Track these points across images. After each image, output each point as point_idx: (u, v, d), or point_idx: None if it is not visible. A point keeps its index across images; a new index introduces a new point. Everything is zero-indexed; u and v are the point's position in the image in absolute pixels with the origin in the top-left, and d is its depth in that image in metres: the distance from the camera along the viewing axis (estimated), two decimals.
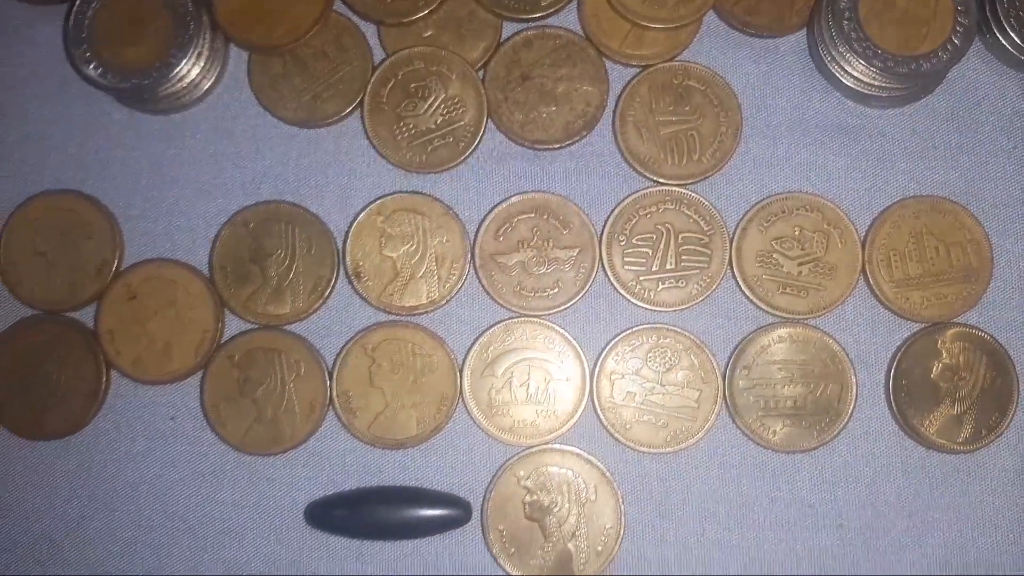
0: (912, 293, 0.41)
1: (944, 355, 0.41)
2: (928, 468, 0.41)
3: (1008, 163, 0.42)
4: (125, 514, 0.41)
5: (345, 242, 0.42)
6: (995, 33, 0.42)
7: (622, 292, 0.41)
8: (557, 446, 0.41)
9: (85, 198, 0.42)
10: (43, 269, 0.42)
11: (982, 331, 0.41)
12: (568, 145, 0.42)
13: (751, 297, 0.41)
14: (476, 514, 0.40)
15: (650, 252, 0.42)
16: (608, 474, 0.40)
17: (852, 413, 0.40)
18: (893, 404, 0.41)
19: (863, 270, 0.41)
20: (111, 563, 0.41)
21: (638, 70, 0.42)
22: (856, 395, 0.41)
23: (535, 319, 0.41)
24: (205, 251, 0.42)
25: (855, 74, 0.41)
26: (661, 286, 0.41)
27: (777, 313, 0.41)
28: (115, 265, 0.42)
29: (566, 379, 0.41)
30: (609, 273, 0.41)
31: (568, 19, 0.43)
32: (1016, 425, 0.40)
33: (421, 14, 0.41)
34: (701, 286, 0.41)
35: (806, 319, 0.41)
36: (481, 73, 0.42)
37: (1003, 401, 0.40)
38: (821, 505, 0.41)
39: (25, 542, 0.41)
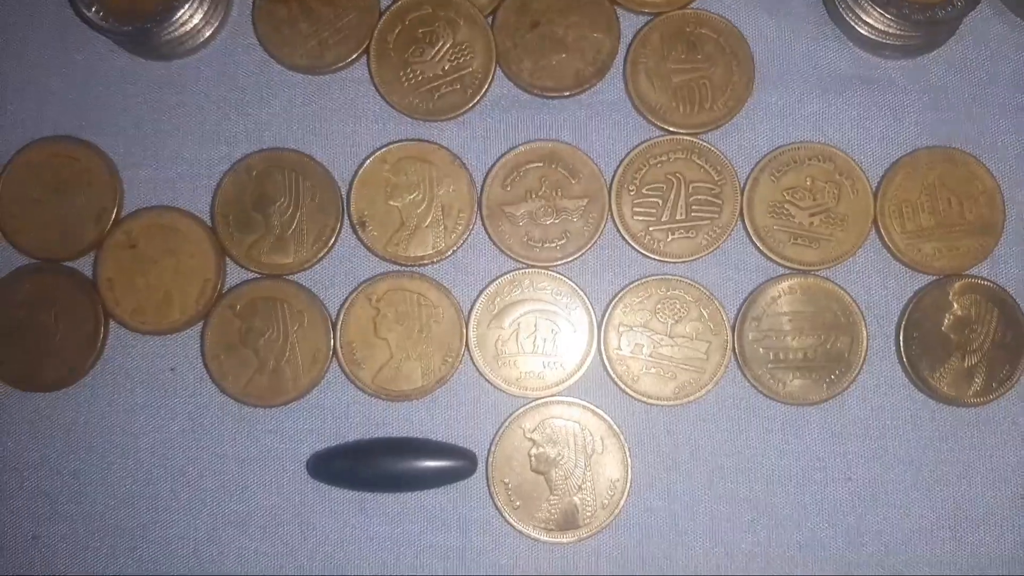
0: (924, 244, 0.41)
1: (955, 307, 0.40)
2: (938, 421, 0.40)
3: (1021, 116, 0.41)
4: (123, 467, 0.41)
5: (350, 191, 0.41)
6: None
7: (631, 243, 0.41)
8: (564, 398, 0.40)
9: (84, 144, 0.42)
10: (41, 217, 0.41)
11: (994, 283, 0.40)
12: (578, 93, 0.41)
13: (762, 248, 0.41)
14: (481, 467, 0.40)
15: (660, 202, 0.41)
16: (615, 426, 0.40)
17: (862, 365, 0.40)
18: (904, 357, 0.40)
19: (875, 221, 0.41)
20: (108, 516, 0.40)
21: (650, 17, 0.41)
22: (867, 347, 0.40)
23: (543, 270, 0.41)
24: (207, 200, 0.41)
25: (869, 22, 0.40)
26: (671, 237, 0.41)
27: (788, 264, 0.41)
28: (114, 213, 0.41)
29: (573, 330, 0.40)
30: (618, 223, 0.41)
31: None
32: None
33: None
34: (711, 237, 0.41)
35: (817, 270, 0.41)
36: (490, 19, 0.42)
37: (1014, 354, 0.40)
38: (830, 458, 0.40)
39: (21, 496, 0.40)
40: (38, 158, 0.41)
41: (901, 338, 0.40)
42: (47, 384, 0.41)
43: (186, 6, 0.40)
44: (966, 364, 0.40)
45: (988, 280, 0.40)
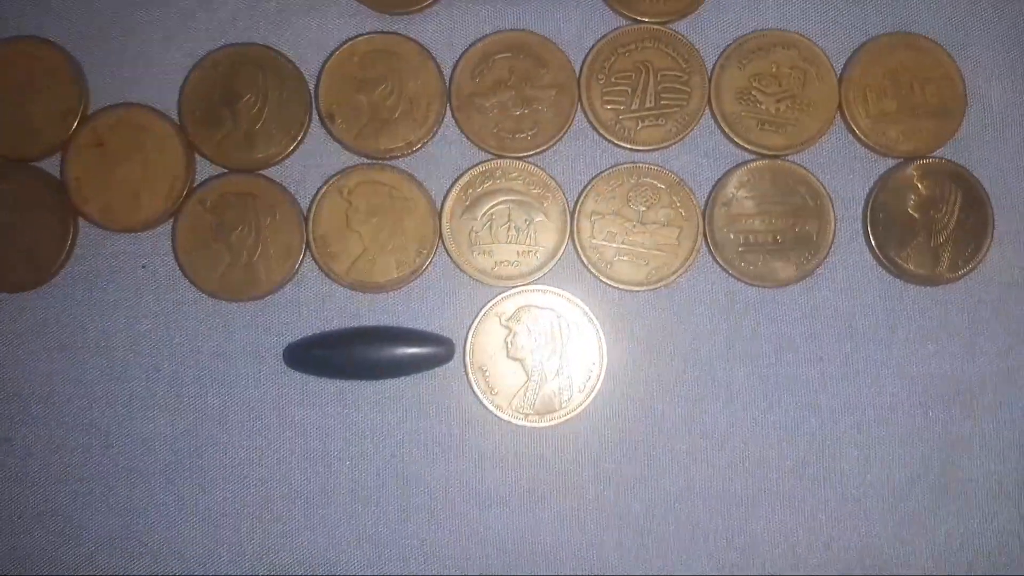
0: (888, 128, 0.41)
1: (920, 187, 0.41)
2: (906, 300, 0.41)
3: (985, 1, 0.42)
4: (96, 366, 0.40)
5: (318, 85, 0.41)
6: None
7: (601, 132, 0.41)
8: (538, 286, 0.40)
9: (48, 43, 0.41)
10: (6, 117, 0.40)
11: (957, 164, 0.41)
12: None
13: (730, 134, 0.41)
14: (459, 355, 0.40)
15: (629, 91, 0.41)
16: (589, 313, 0.40)
17: (831, 248, 0.41)
18: (871, 237, 0.41)
19: (840, 106, 0.41)
20: (82, 416, 0.40)
21: None
22: (835, 229, 0.41)
23: (515, 160, 0.41)
24: (174, 97, 0.41)
25: None
26: (640, 125, 0.41)
27: (756, 150, 0.41)
28: (80, 112, 0.41)
29: (546, 219, 0.41)
30: (588, 112, 0.41)
31: None
32: (992, 257, 0.41)
33: None
34: (680, 124, 0.41)
35: (784, 155, 0.41)
36: None
37: (979, 233, 0.41)
38: (801, 339, 0.41)
39: None
40: (1, 58, 0.41)
41: (868, 219, 0.41)
42: (17, 285, 0.40)
43: None
44: (932, 244, 0.41)
45: (951, 161, 0.41)
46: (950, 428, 0.41)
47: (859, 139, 0.41)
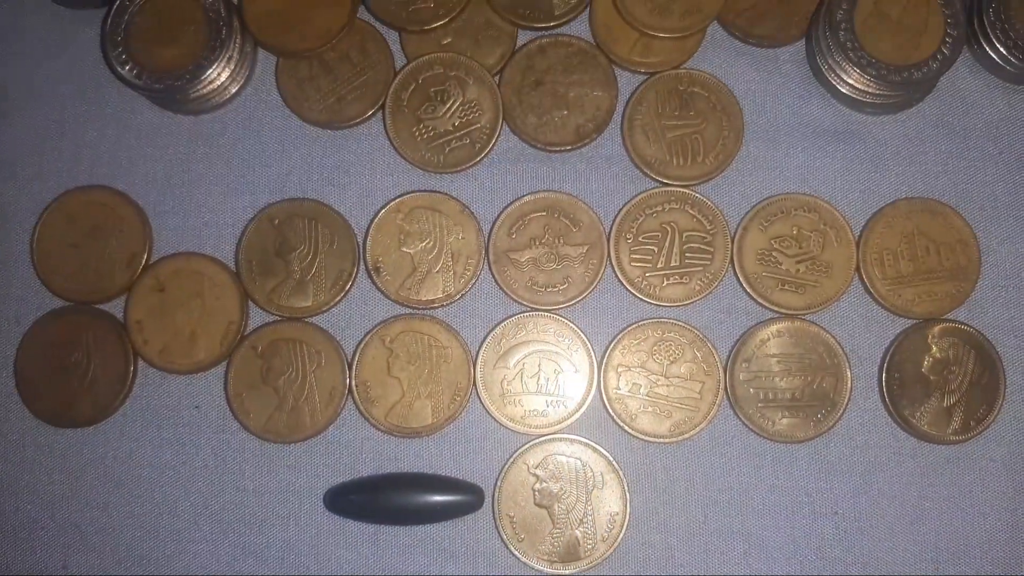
0: (904, 290, 0.43)
1: (934, 349, 0.43)
2: (919, 458, 0.43)
3: (995, 167, 0.44)
4: (149, 500, 0.43)
5: (366, 238, 0.43)
6: (982, 44, 0.44)
7: (629, 288, 0.43)
8: (566, 435, 0.43)
9: (117, 193, 0.44)
10: (75, 261, 0.44)
11: (970, 326, 0.43)
12: (579, 147, 0.44)
13: (751, 293, 0.43)
14: (488, 501, 0.42)
15: (656, 250, 0.44)
16: (614, 462, 0.42)
17: (847, 405, 0.42)
18: (886, 396, 0.43)
19: (857, 268, 0.43)
20: (135, 547, 0.43)
21: (646, 76, 0.44)
22: (851, 388, 0.42)
23: (546, 313, 0.43)
24: (231, 246, 0.44)
25: (851, 82, 0.43)
26: (666, 282, 0.43)
27: (776, 309, 0.43)
28: (145, 258, 0.44)
29: (575, 371, 0.43)
30: (616, 269, 0.43)
31: (580, 28, 0.45)
32: (1004, 417, 0.42)
33: (441, 22, 0.44)
34: (704, 282, 0.43)
35: (803, 315, 0.43)
36: (497, 78, 0.44)
37: (991, 394, 0.42)
38: (818, 493, 0.42)
39: (52, 527, 0.43)
40: (74, 206, 0.44)
41: (883, 379, 0.43)
42: (79, 421, 0.43)
43: (215, 65, 0.43)
44: (945, 404, 0.42)
45: (965, 324, 0.43)
46: None
47: (876, 300, 0.43)
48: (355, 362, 0.43)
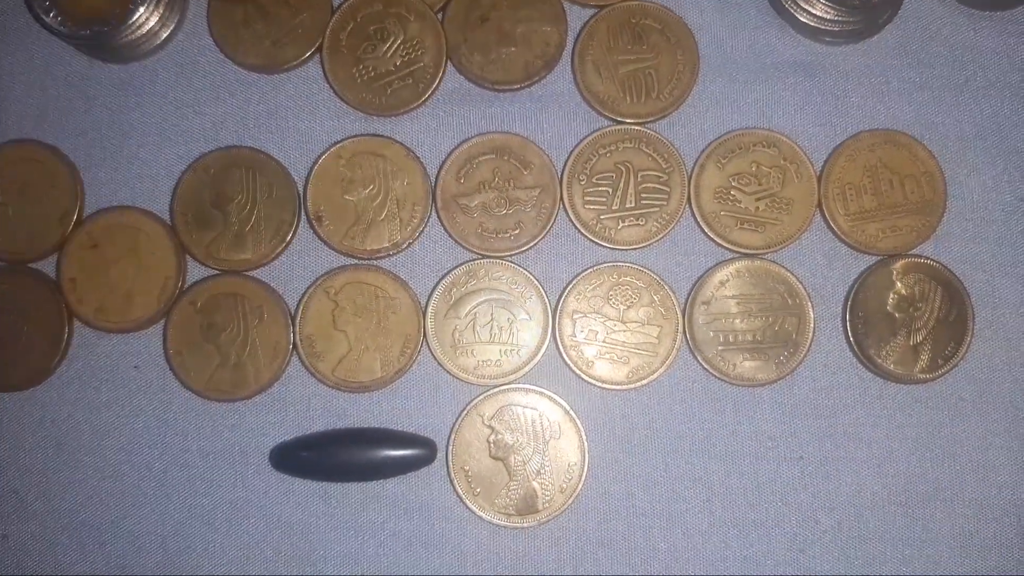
0: (867, 226, 0.42)
1: (899, 286, 0.41)
2: (886, 399, 0.41)
3: (960, 97, 0.42)
4: (91, 464, 0.41)
5: (306, 186, 0.42)
6: None
7: (583, 231, 0.42)
8: (521, 385, 0.41)
9: (47, 148, 0.42)
10: (4, 220, 0.42)
11: (936, 261, 0.41)
12: (528, 86, 0.42)
13: (709, 233, 0.42)
14: (441, 454, 0.41)
15: (610, 191, 0.42)
16: (571, 411, 0.41)
17: (810, 346, 0.41)
18: (850, 336, 0.41)
19: (819, 204, 0.42)
20: (77, 513, 0.41)
21: (596, 10, 0.42)
22: (814, 328, 0.41)
23: (498, 260, 0.42)
24: (166, 198, 0.42)
25: (809, 8, 0.41)
26: (621, 224, 0.42)
27: (735, 248, 0.42)
28: (76, 214, 0.42)
29: (529, 318, 0.41)
30: (570, 213, 0.42)
31: None
32: (973, 355, 0.41)
33: None
34: (660, 223, 0.42)
35: (763, 254, 0.42)
36: (440, 15, 0.42)
37: (959, 331, 0.41)
38: (782, 437, 0.41)
39: None
40: (1, 163, 0.42)
41: (847, 318, 0.41)
42: (14, 384, 0.41)
43: (142, 9, 0.41)
44: (911, 342, 0.41)
45: (931, 259, 0.41)
46: (930, 527, 0.41)
47: (838, 237, 0.42)
48: (299, 316, 0.41)
